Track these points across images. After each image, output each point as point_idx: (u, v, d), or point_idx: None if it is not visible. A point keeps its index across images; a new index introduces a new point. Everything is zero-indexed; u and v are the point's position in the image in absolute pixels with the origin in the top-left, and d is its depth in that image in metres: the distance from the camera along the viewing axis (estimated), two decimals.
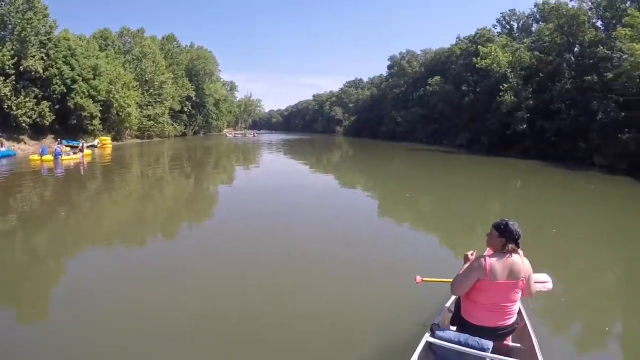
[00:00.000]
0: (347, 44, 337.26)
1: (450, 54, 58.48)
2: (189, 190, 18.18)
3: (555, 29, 38.47)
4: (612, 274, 9.11)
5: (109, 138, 41.33)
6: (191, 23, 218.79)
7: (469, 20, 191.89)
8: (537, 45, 41.42)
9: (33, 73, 34.69)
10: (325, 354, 4.93)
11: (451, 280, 4.19)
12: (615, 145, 28.04)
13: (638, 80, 28.77)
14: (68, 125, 38.86)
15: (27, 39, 33.94)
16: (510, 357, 3.87)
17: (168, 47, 65.30)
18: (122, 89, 44.48)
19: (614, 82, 30.39)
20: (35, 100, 35.15)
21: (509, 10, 52.63)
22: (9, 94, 33.09)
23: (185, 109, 66.81)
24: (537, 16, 46.58)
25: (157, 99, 55.12)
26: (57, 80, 36.98)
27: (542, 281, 4.90)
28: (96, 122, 40.86)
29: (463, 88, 51.17)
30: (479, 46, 47.14)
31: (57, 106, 37.57)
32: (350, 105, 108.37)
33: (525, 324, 4.44)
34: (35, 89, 35.31)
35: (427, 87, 59.76)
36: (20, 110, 33.74)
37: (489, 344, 3.76)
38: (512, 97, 39.39)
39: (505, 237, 3.89)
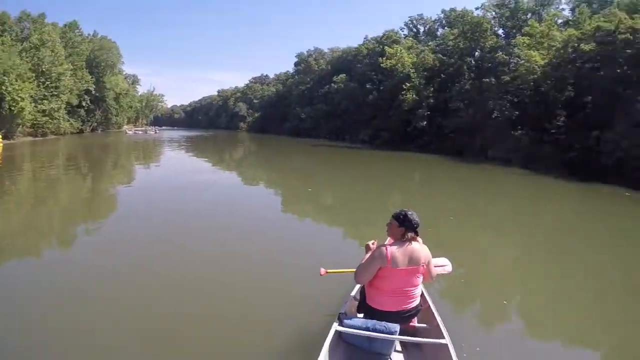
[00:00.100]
0: (253, 39, 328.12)
1: (357, 53, 58.48)
2: (86, 193, 16.02)
3: (460, 35, 39.85)
4: (507, 255, 9.70)
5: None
6: (94, 10, 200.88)
7: (379, 22, 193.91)
8: (441, 49, 42.97)
9: None
10: (235, 349, 4.81)
11: (354, 270, 4.23)
12: (509, 141, 29.41)
13: (532, 83, 30.23)
14: None
15: None
16: (418, 337, 4.12)
17: (69, 36, 57.41)
18: (17, 81, 38.07)
19: (509, 85, 32.20)
20: None
21: (417, 15, 54.43)
22: None
23: (84, 104, 59.10)
24: (443, 22, 48.25)
25: (54, 93, 47.86)
26: None
27: (442, 265, 5.05)
28: None
29: (367, 86, 51.44)
30: (386, 47, 47.80)
31: None
32: (255, 101, 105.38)
33: (429, 306, 4.59)
34: None
35: (333, 84, 59.43)
36: None
37: (396, 327, 3.87)
38: (414, 96, 40.43)
39: (404, 227, 4.01)
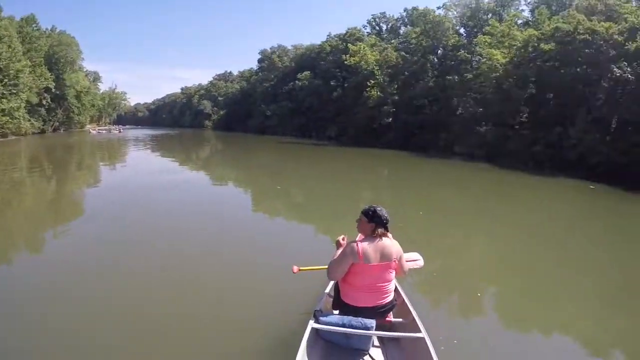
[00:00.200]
0: (217, 36, 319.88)
1: (321, 51, 57.60)
2: (52, 195, 15.04)
3: (422, 33, 39.73)
4: (477, 248, 9.70)
5: None
6: (51, 4, 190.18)
7: (342, 20, 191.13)
8: (403, 47, 42.85)
9: None
10: (211, 351, 4.67)
11: (326, 266, 4.21)
12: (474, 137, 29.68)
13: (494, 81, 30.35)
14: None
15: None
16: (394, 332, 4.14)
17: (27, 31, 52.68)
18: None
19: (472, 82, 32.42)
20: None
21: (380, 13, 53.94)
22: None
23: (44, 103, 54.83)
24: (406, 20, 48.19)
25: (13, 91, 43.64)
26: None
27: (414, 259, 5.02)
28: None
29: (332, 83, 50.86)
30: (349, 44, 47.24)
31: None
32: (219, 98, 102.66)
33: (404, 300, 4.54)
34: None
35: (297, 81, 58.37)
36: None
37: (372, 322, 3.84)
38: (379, 93, 40.09)
39: (374, 223, 3.97)
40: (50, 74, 55.87)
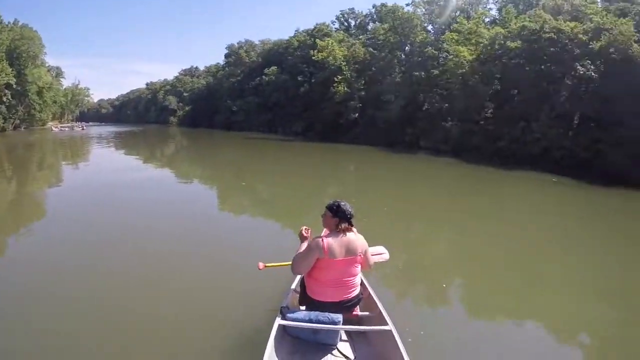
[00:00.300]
0: (185, 31, 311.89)
1: (289, 46, 56.68)
2: (13, 195, 14.58)
3: (390, 29, 39.46)
4: (441, 241, 9.89)
5: None
6: None
7: (310, 15, 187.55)
8: (371, 43, 42.46)
9: None
10: (178, 351, 4.57)
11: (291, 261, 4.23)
12: (440, 132, 29.92)
13: (460, 77, 30.57)
14: None
15: None
16: (361, 325, 4.10)
17: None
18: None
19: (439, 78, 32.54)
20: None
21: (349, 9, 53.54)
22: None
23: (5, 99, 51.59)
24: (374, 16, 47.95)
25: None
26: None
27: (379, 253, 4.95)
28: None
29: (299, 78, 50.09)
30: (317, 40, 46.65)
31: None
32: (185, 94, 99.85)
33: (370, 294, 4.51)
34: None
35: (264, 76, 57.26)
36: None
37: (339, 317, 3.84)
38: (346, 89, 39.71)
39: (338, 217, 3.96)
40: (11, 69, 52.58)
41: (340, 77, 40.22)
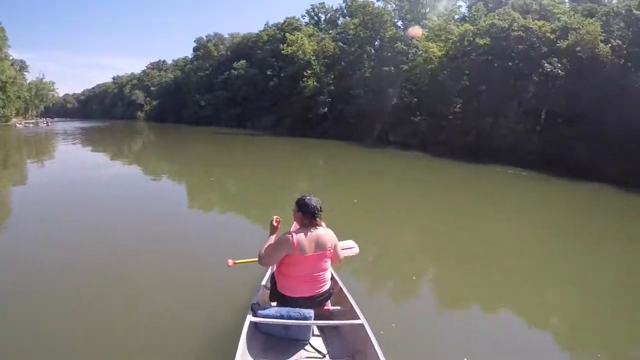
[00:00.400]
0: (151, 23, 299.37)
1: (258, 40, 55.81)
2: None
3: (360, 24, 39.36)
4: (410, 234, 9.86)
5: None
6: None
7: (280, 9, 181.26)
8: (341, 37, 41.99)
9: None
10: (148, 352, 4.42)
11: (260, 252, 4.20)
12: (409, 126, 30.09)
13: (429, 72, 30.71)
14: None
15: None
16: (333, 320, 4.10)
17: None
18: None
19: (408, 73, 32.54)
20: None
21: (319, 3, 52.71)
22: None
23: None
24: (344, 11, 47.58)
25: None
26: None
27: (349, 247, 4.93)
28: None
29: (268, 73, 49.32)
30: (287, 34, 45.95)
31: None
32: (152, 88, 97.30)
33: (341, 288, 4.50)
34: None
35: (232, 70, 56.15)
36: None
37: (310, 312, 3.80)
38: (315, 83, 39.33)
39: (302, 212, 3.91)
40: None
41: (309, 72, 39.78)
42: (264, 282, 4.61)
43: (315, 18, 52.34)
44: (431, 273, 7.43)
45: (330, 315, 4.21)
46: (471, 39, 28.95)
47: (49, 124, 69.55)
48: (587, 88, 21.72)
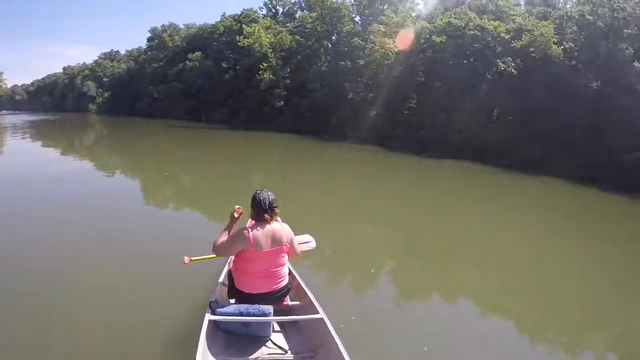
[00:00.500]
0: (104, 10, 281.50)
1: (214, 31, 54.19)
2: None
3: (318, 18, 38.81)
4: (366, 227, 9.88)
5: None
6: None
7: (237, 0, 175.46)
8: (298, 31, 41.32)
9: None
10: (105, 355, 4.33)
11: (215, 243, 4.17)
12: (365, 121, 29.86)
13: (386, 68, 30.79)
14: None
15: None
16: (292, 315, 4.10)
17: None
18: None
19: (365, 68, 32.51)
20: None
21: None
22: None
23: None
24: (302, 4, 47.08)
25: None
26: None
27: (306, 241, 4.92)
28: None
29: (224, 65, 47.97)
30: (244, 25, 44.78)
31: None
32: (105, 79, 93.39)
33: (299, 283, 4.50)
34: None
35: (187, 62, 54.25)
36: None
37: (269, 308, 3.79)
38: (271, 76, 38.55)
39: (256, 207, 3.87)
40: None
41: (265, 65, 38.99)
42: (221, 279, 4.59)
43: (273, 10, 51.34)
44: (389, 265, 7.53)
45: (289, 311, 4.21)
46: (428, 36, 29.10)
47: None
48: (539, 87, 22.31)
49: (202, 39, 56.25)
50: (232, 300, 4.09)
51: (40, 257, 6.70)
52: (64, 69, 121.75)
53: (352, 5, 39.02)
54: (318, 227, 7.84)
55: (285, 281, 4.05)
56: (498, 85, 24.96)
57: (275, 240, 3.84)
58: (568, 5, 29.58)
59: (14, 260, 6.58)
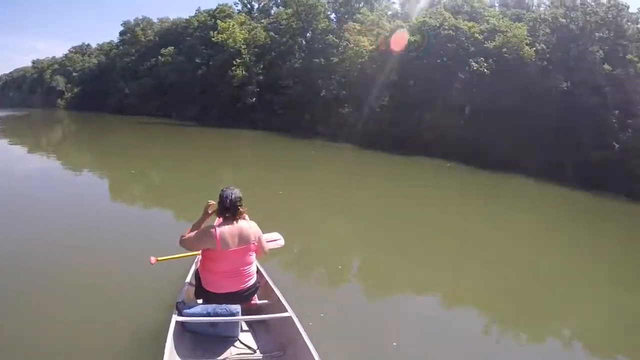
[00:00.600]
0: (76, 1, 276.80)
1: (188, 26, 53.02)
2: None
3: (293, 14, 38.42)
4: (334, 224, 9.94)
5: None
6: None
7: None
8: (273, 27, 40.89)
9: None
10: (72, 354, 4.22)
11: (185, 254, 4.38)
12: (337, 118, 29.91)
13: (359, 66, 30.82)
14: None
15: None
16: (261, 314, 4.03)
17: None
18: None
19: (338, 66, 32.38)
20: None
21: None
22: None
23: None
24: (278, 1, 46.48)
25: None
26: None
27: (274, 239, 4.88)
28: None
29: (197, 61, 46.89)
30: (218, 20, 44.01)
31: None
32: (74, 74, 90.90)
33: (267, 281, 4.46)
34: None
35: (160, 57, 53.03)
36: None
37: (237, 307, 3.74)
38: (244, 72, 37.82)
39: (220, 205, 3.83)
40: None
41: (239, 61, 38.29)
42: (188, 279, 4.51)
43: (249, 6, 50.57)
44: (357, 262, 7.65)
45: (257, 310, 4.15)
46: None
47: None
48: (510, 87, 22.61)
49: (176, 34, 55.13)
50: (200, 301, 4.02)
51: (3, 256, 6.49)
52: (33, 62, 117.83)
53: (328, 2, 38.81)
54: (287, 225, 7.84)
55: (253, 280, 4.01)
56: (471, 85, 25.15)
57: (243, 239, 3.79)
58: (541, 8, 30.25)
59: None
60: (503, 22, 26.91)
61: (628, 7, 23.16)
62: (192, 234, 3.89)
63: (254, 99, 37.34)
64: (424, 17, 29.11)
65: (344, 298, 5.85)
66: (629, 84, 19.96)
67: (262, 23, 42.69)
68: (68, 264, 6.32)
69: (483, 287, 6.56)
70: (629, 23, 23.00)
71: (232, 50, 39.65)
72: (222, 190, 3.85)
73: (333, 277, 6.57)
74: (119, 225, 8.69)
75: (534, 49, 23.69)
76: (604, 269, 8.14)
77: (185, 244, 3.93)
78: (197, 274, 4.15)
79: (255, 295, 4.16)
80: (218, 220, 3.92)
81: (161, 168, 17.24)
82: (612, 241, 10.42)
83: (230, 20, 43.79)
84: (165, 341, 3.45)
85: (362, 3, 37.25)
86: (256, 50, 39.19)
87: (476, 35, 26.39)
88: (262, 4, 48.99)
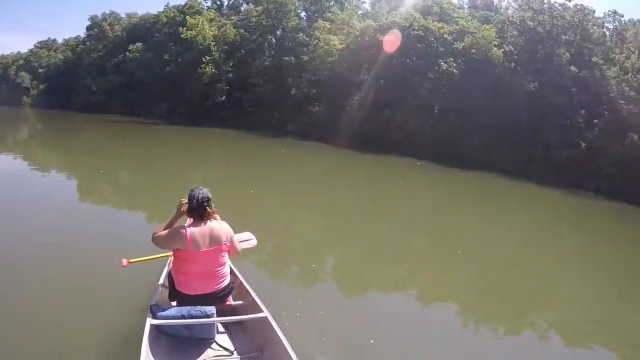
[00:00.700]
0: None
1: (156, 21, 51.61)
2: None
3: (263, 12, 38.09)
4: (307, 223, 9.85)
5: None
6: None
7: None
8: (243, 24, 40.26)
9: None
10: (45, 358, 4.14)
11: (158, 256, 4.44)
12: (307, 117, 29.74)
13: (329, 64, 30.62)
14: None
15: None
16: (236, 315, 3.99)
17: None
18: None
19: (308, 64, 32.17)
20: None
21: None
22: None
23: None
24: None
25: None
26: None
27: (247, 239, 4.82)
28: None
29: (165, 57, 45.80)
30: (187, 17, 42.90)
31: None
32: (40, 70, 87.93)
33: (241, 282, 4.43)
34: None
35: (127, 53, 51.60)
36: None
37: (212, 309, 3.69)
38: (213, 70, 37.21)
39: (189, 205, 3.77)
40: None
41: (208, 58, 37.61)
42: (161, 281, 4.43)
43: (218, 2, 49.68)
44: (331, 260, 7.60)
45: (233, 311, 4.12)
46: (372, 34, 28.97)
47: None
48: (479, 87, 22.78)
49: (144, 30, 53.74)
50: (174, 303, 3.95)
51: None
52: None
53: (299, 0, 38.44)
54: (259, 225, 7.72)
55: (227, 281, 3.95)
56: (440, 84, 25.22)
57: (214, 239, 3.72)
58: (509, 11, 30.66)
59: None
60: (472, 23, 27.21)
61: (594, 12, 23.58)
62: (165, 232, 3.80)
63: (224, 97, 36.73)
64: (394, 18, 29.15)
65: (319, 297, 5.86)
66: (594, 85, 20.43)
67: (232, 20, 41.92)
68: (37, 267, 6.13)
69: (458, 284, 6.62)
70: (594, 27, 23.41)
71: (201, 47, 38.85)
72: (191, 189, 3.79)
73: (307, 276, 6.55)
74: (89, 226, 8.45)
75: (502, 50, 23.92)
76: (577, 260, 8.43)
77: (158, 241, 3.85)
78: (170, 275, 4.03)
79: (230, 296, 4.11)
80: (189, 221, 3.84)
81: (130, 167, 16.94)
82: (583, 233, 10.89)
83: (199, 16, 42.85)
84: (141, 345, 3.36)
85: (333, 2, 37.15)
86: (226, 47, 38.52)
87: (445, 36, 26.50)
88: (232, 0, 48.23)
